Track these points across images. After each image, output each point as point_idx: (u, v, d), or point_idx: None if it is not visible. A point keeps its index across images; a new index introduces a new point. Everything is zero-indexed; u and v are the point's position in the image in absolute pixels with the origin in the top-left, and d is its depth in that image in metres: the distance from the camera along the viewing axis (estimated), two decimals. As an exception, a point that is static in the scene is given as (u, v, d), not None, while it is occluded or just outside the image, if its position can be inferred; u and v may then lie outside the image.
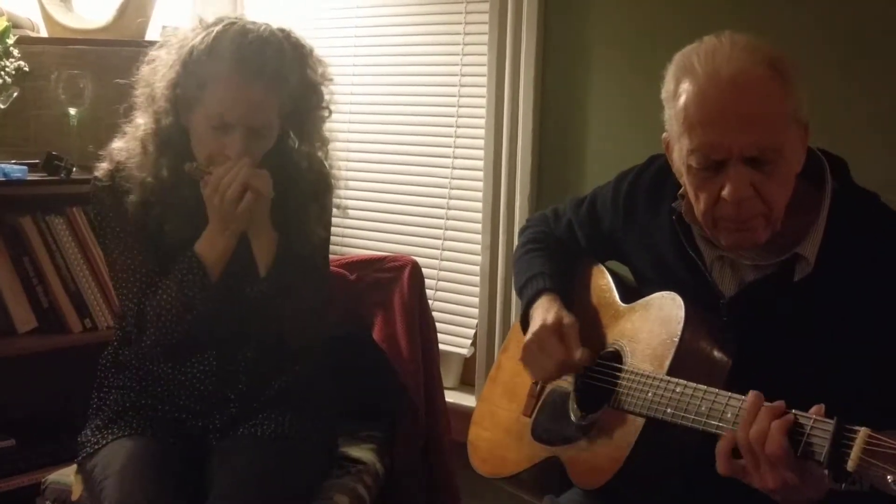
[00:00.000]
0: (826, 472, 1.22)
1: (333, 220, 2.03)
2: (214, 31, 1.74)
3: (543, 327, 1.67)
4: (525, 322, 1.76)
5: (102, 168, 1.87)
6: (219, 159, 1.76)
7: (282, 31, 1.82)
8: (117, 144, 1.88)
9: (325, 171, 1.95)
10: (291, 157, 1.90)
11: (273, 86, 1.76)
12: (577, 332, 1.66)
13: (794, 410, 1.26)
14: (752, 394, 1.31)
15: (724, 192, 1.40)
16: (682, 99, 1.42)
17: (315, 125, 1.91)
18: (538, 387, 1.77)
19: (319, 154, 1.93)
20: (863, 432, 1.17)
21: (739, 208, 1.40)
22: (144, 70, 1.85)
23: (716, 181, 1.42)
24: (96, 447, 1.81)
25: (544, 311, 1.70)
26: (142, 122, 1.84)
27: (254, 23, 1.79)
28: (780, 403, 1.28)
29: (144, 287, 1.82)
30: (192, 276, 1.78)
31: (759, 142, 1.37)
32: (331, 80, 1.91)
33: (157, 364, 1.88)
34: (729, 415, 1.34)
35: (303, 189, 1.90)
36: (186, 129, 1.81)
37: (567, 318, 1.67)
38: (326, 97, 1.90)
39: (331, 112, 1.93)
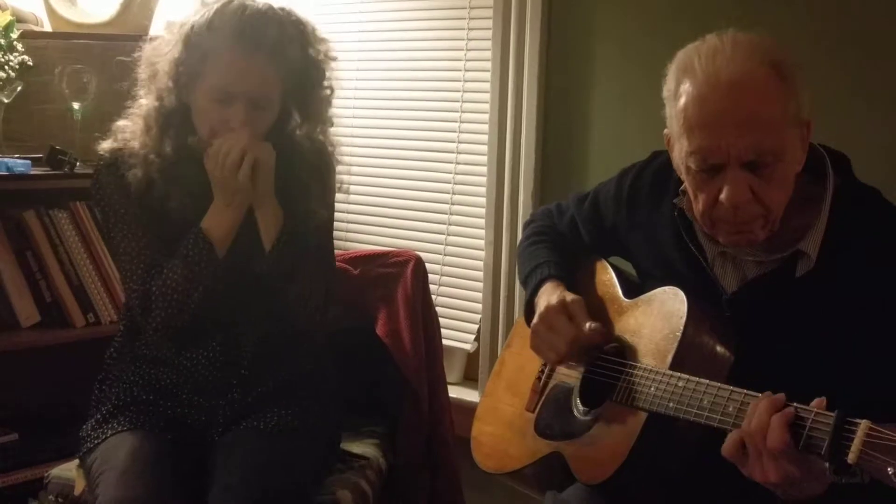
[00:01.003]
0: (827, 465, 1.23)
1: (338, 215, 2.03)
2: (214, 7, 1.78)
3: (549, 308, 1.67)
4: (530, 311, 1.75)
5: (106, 146, 1.88)
6: (221, 133, 1.78)
7: (282, 9, 1.84)
8: (121, 123, 1.90)
9: (326, 151, 1.96)
10: (293, 137, 1.92)
11: (274, 58, 1.79)
12: (583, 308, 1.66)
13: (795, 404, 1.26)
14: (762, 397, 1.31)
15: (722, 196, 1.40)
16: (682, 100, 1.42)
17: (317, 104, 1.92)
18: (541, 382, 1.76)
19: (321, 135, 1.94)
20: (863, 424, 1.17)
21: (737, 212, 1.41)
22: (147, 49, 1.87)
23: (714, 183, 1.42)
24: (96, 442, 1.82)
25: (548, 296, 1.70)
26: (145, 100, 1.86)
27: (253, 1, 1.82)
28: (780, 396, 1.28)
29: (149, 268, 1.82)
30: (199, 252, 1.79)
31: (757, 145, 1.37)
32: (334, 58, 1.93)
33: (161, 351, 1.88)
34: (731, 409, 1.34)
35: (305, 169, 1.91)
36: (189, 106, 1.83)
37: (570, 297, 1.67)
38: (328, 75, 1.91)
39: (333, 91, 1.94)
